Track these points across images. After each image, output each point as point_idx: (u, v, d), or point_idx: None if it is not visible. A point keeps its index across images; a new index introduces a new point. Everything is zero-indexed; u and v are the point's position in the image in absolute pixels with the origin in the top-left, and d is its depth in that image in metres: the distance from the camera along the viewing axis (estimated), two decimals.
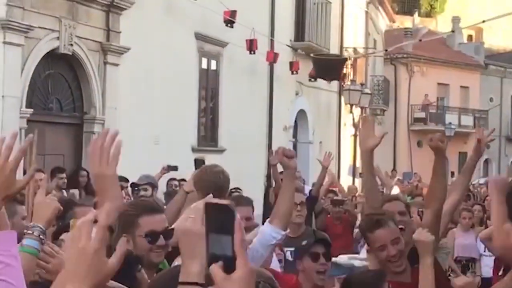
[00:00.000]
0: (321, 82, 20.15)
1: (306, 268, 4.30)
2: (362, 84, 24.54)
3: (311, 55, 19.04)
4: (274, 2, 18.02)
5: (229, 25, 14.82)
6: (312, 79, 19.72)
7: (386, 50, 24.59)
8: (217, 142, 16.07)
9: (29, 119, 10.68)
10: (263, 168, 17.02)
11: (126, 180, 9.28)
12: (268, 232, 3.72)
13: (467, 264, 9.24)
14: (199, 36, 15.03)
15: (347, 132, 23.73)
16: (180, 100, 14.22)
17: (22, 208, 4.82)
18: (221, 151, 15.89)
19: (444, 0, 48.63)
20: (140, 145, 12.61)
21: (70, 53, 11.48)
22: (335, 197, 10.44)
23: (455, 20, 38.39)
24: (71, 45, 11.40)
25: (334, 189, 11.79)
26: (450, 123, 33.30)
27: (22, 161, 2.29)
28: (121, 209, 2.19)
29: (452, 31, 31.28)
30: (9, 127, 10.07)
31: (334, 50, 21.82)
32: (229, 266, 1.55)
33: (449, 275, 8.09)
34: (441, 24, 45.81)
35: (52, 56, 11.34)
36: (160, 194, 10.49)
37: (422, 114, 35.45)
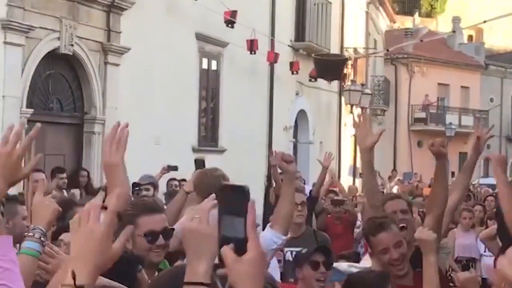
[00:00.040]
0: (321, 82, 20.14)
1: (306, 276, 4.29)
2: (362, 85, 24.53)
3: (313, 55, 19.05)
4: (275, 3, 18.03)
5: (229, 25, 14.83)
6: (313, 79, 19.72)
7: (388, 50, 24.59)
8: (218, 142, 16.07)
9: (30, 119, 10.68)
10: (263, 168, 17.02)
11: None
12: (269, 237, 3.71)
13: (468, 264, 9.23)
14: (199, 36, 15.04)
15: (348, 132, 23.72)
16: (180, 100, 14.22)
17: (23, 208, 4.84)
18: (222, 151, 15.89)
19: (445, 0, 48.61)
20: (141, 145, 12.60)
21: (71, 53, 11.49)
22: (335, 197, 10.44)
23: (456, 20, 38.39)
24: (72, 45, 11.41)
25: (334, 189, 11.80)
26: (450, 123, 33.29)
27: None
28: (127, 196, 2.27)
29: (453, 31, 31.28)
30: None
31: (334, 50, 21.81)
32: (240, 248, 1.56)
33: (450, 275, 8.09)
34: (441, 24, 45.81)
35: (52, 56, 11.35)
36: (160, 194, 10.48)
37: (422, 114, 35.45)
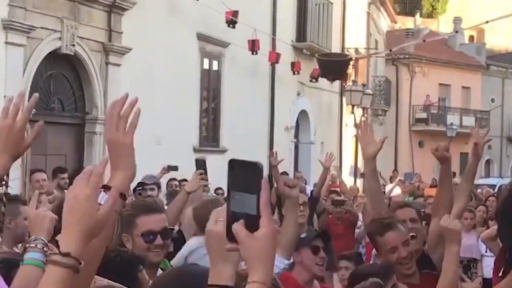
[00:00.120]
0: (322, 83, 20.14)
1: (304, 260, 4.34)
2: (363, 85, 24.54)
3: (316, 55, 19.07)
4: (276, 3, 18.03)
5: (231, 25, 14.83)
6: (314, 80, 19.73)
7: (391, 50, 24.56)
8: (219, 143, 16.08)
9: (31, 119, 10.67)
10: (264, 168, 17.00)
11: None
12: None
13: (469, 265, 9.23)
14: (201, 37, 15.05)
15: (349, 132, 23.71)
16: (181, 100, 14.23)
17: (25, 208, 4.84)
18: (223, 151, 15.90)
19: (446, 0, 48.58)
20: (142, 145, 12.58)
21: (72, 54, 11.50)
22: (336, 198, 10.45)
23: (457, 20, 38.38)
24: (73, 45, 11.42)
25: (336, 189, 11.81)
26: (451, 124, 33.27)
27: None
28: (133, 178, 2.17)
29: (456, 31, 31.24)
30: None
31: (335, 50, 21.79)
32: (253, 225, 1.56)
33: None
34: (442, 25, 45.81)
35: (54, 57, 11.36)
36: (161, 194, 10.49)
37: (423, 115, 35.42)
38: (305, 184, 13.11)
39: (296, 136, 20.42)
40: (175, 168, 11.40)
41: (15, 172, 8.51)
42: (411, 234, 4.19)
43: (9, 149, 2.21)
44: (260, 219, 1.56)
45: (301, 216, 6.10)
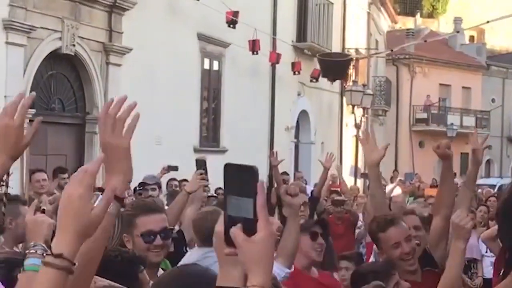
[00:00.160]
0: (323, 83, 20.15)
1: (303, 246, 4.38)
2: (364, 85, 24.55)
3: (317, 55, 19.07)
4: (276, 3, 18.03)
5: (231, 25, 14.84)
6: (314, 80, 19.74)
7: (392, 50, 24.56)
8: (219, 143, 16.08)
9: (31, 119, 10.65)
10: (265, 168, 17.00)
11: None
12: (273, 270, 3.72)
13: (469, 265, 9.23)
14: (201, 37, 15.05)
15: (349, 132, 23.72)
16: (182, 100, 14.24)
17: (25, 208, 4.85)
18: (223, 151, 15.90)
19: (446, 1, 48.58)
20: (142, 145, 12.61)
21: (73, 54, 11.50)
22: (336, 197, 10.45)
23: (457, 21, 38.40)
24: (74, 45, 11.42)
25: (336, 189, 11.81)
26: (452, 124, 33.28)
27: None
28: (130, 182, 2.12)
29: (457, 31, 31.25)
30: None
31: (336, 50, 21.78)
32: (250, 229, 1.55)
33: None
34: (443, 25, 45.82)
35: (54, 57, 11.37)
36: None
37: (424, 115, 35.44)
38: (306, 184, 13.10)
39: (297, 136, 20.42)
40: (175, 168, 11.41)
41: (15, 172, 8.51)
42: (415, 242, 4.20)
43: (8, 148, 2.15)
44: (257, 222, 1.56)
45: (301, 216, 6.12)
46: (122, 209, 4.28)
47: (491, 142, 38.65)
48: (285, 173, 12.81)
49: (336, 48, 21.79)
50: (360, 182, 21.77)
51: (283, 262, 3.75)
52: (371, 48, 27.25)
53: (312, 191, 9.70)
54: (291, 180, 13.49)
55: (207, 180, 5.24)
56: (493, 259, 7.64)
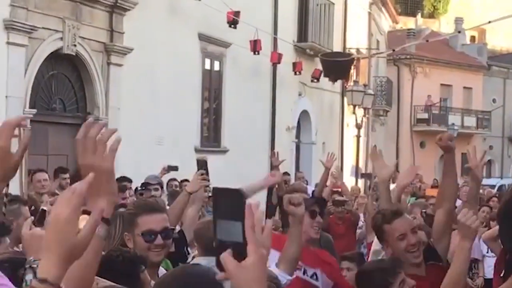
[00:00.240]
0: (324, 83, 20.16)
1: (303, 223, 4.43)
2: (365, 85, 24.55)
3: (319, 55, 19.07)
4: (277, 3, 18.03)
5: (232, 26, 14.83)
6: (315, 80, 19.74)
7: (394, 50, 24.55)
8: (220, 143, 16.08)
9: (33, 119, 10.70)
10: (266, 168, 17.02)
11: (130, 181, 9.31)
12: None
13: (470, 265, 9.23)
14: (202, 37, 15.05)
15: (350, 132, 23.73)
16: (183, 100, 14.24)
17: (26, 209, 4.86)
18: (224, 151, 15.91)
19: (447, 1, 48.56)
20: (143, 145, 12.64)
21: (74, 54, 11.51)
22: (337, 197, 10.45)
23: (458, 21, 38.38)
24: (75, 45, 11.43)
25: (338, 189, 11.80)
26: (453, 124, 33.28)
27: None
28: (116, 203, 2.07)
29: (459, 31, 31.24)
30: None
31: (337, 50, 21.80)
32: (240, 253, 1.55)
33: None
34: (444, 25, 45.80)
35: (55, 57, 11.37)
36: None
37: (425, 115, 35.44)
38: (307, 184, 13.09)
39: (298, 136, 20.42)
40: (175, 168, 11.42)
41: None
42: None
43: None
44: (247, 246, 1.55)
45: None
46: (123, 209, 4.30)
47: (492, 143, 38.68)
48: (286, 173, 12.81)
49: (337, 48, 21.78)
50: (361, 182, 21.78)
51: (285, 269, 3.76)
52: (372, 48, 27.24)
53: (313, 191, 9.69)
54: (292, 181, 13.48)
55: (208, 181, 5.23)
56: (494, 260, 7.64)
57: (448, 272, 3.51)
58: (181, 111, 14.12)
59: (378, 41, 29.26)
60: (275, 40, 17.51)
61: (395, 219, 4.04)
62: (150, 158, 12.39)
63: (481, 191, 18.04)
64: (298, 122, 20.29)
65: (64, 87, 11.92)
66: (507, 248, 3.44)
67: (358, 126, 23.26)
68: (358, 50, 24.48)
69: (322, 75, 19.41)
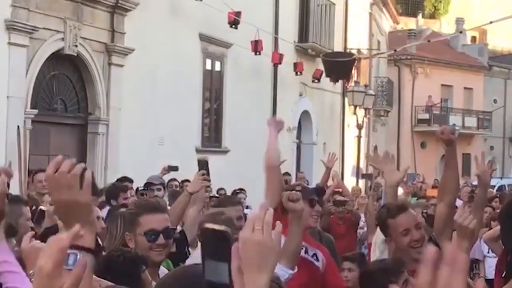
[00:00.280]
0: (324, 83, 20.15)
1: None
2: (365, 85, 24.53)
3: (321, 55, 19.07)
4: (278, 4, 18.04)
5: (233, 26, 14.84)
6: (316, 80, 19.74)
7: (395, 51, 24.54)
8: (221, 143, 16.09)
9: (34, 119, 10.72)
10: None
11: (131, 181, 9.31)
12: (276, 271, 3.74)
13: (471, 265, 9.22)
14: (203, 37, 15.05)
15: (351, 133, 23.72)
16: (184, 101, 14.24)
17: (27, 209, 4.86)
18: (225, 151, 15.91)
19: (448, 1, 48.54)
20: (144, 145, 12.65)
21: (75, 54, 11.51)
22: (338, 198, 10.44)
23: (459, 21, 38.37)
24: (76, 46, 11.44)
25: (339, 189, 11.79)
26: (453, 125, 33.16)
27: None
28: (98, 230, 2.05)
29: (460, 32, 31.23)
30: (14, 127, 10.12)
31: (338, 51, 21.81)
32: None
33: None
34: (444, 26, 45.78)
35: (56, 57, 11.38)
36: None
37: (425, 116, 35.42)
38: (307, 184, 13.07)
39: (298, 136, 20.42)
40: (175, 169, 11.42)
41: (15, 172, 8.52)
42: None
43: None
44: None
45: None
46: (124, 209, 4.30)
47: (493, 143, 38.68)
48: (287, 173, 12.80)
49: (338, 48, 21.77)
50: (362, 183, 21.77)
51: (286, 264, 3.77)
52: (373, 48, 27.24)
53: None
54: (293, 181, 13.48)
55: (209, 181, 5.24)
56: (495, 260, 7.63)
57: None
58: (182, 111, 14.12)
59: (379, 42, 29.26)
60: (276, 40, 17.51)
61: (399, 214, 4.03)
62: (151, 158, 12.39)
63: None
64: (299, 122, 20.29)
65: (65, 87, 11.93)
66: (509, 249, 3.44)
67: (359, 127, 23.25)
68: (359, 51, 24.47)
69: (324, 75, 19.41)
